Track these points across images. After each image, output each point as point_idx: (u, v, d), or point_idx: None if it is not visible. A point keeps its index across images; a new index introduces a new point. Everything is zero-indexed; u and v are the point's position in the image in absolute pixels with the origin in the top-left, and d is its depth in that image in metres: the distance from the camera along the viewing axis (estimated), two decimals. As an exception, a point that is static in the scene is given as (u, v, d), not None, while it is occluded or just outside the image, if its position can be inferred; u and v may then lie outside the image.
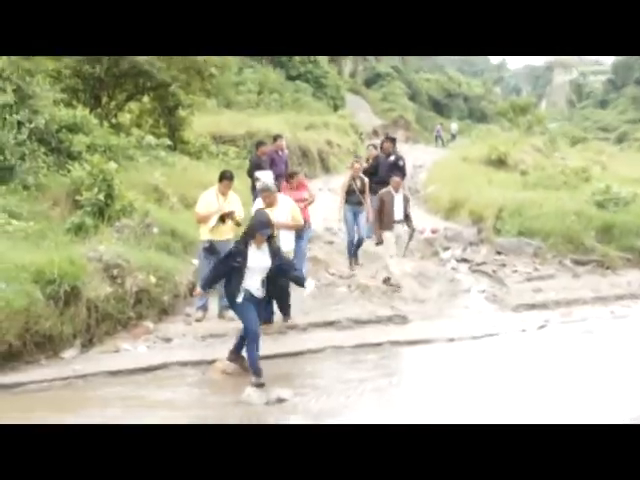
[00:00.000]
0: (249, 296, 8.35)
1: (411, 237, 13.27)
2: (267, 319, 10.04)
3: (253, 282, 8.35)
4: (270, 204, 10.02)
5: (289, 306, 10.62)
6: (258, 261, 8.29)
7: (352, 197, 13.30)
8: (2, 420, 7.32)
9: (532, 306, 12.74)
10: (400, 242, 12.78)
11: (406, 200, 12.96)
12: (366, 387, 8.82)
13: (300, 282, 9.08)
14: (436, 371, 9.80)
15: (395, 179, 12.88)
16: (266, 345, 9.81)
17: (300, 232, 11.52)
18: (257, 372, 8.35)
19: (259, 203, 10.26)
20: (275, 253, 8.46)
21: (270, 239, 8.44)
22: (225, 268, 8.42)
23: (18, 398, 8.02)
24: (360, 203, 13.24)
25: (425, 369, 10.21)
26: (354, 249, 13.58)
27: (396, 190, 12.74)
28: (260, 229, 8.23)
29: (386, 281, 12.57)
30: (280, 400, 8.04)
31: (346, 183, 13.46)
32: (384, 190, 12.83)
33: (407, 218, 12.89)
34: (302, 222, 10.78)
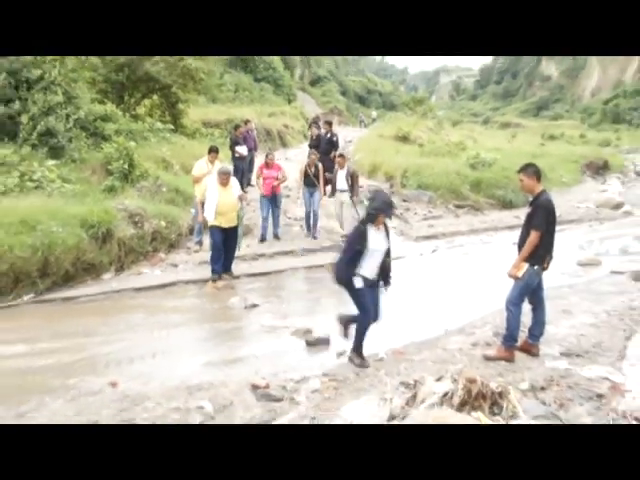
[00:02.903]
0: (368, 283, 5.90)
1: (354, 203, 12.01)
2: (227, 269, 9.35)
3: (372, 265, 5.91)
4: (225, 184, 8.93)
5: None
6: (378, 243, 5.90)
7: (308, 180, 12.10)
8: (62, 321, 7.31)
9: (427, 237, 12.99)
10: (345, 206, 11.96)
11: (350, 174, 11.89)
12: (313, 295, 8.99)
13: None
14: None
15: (339, 159, 12.06)
16: (242, 268, 9.87)
17: (277, 202, 11.64)
18: (358, 350, 6.12)
19: (213, 182, 9.04)
20: (388, 234, 6.09)
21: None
22: (353, 252, 5.82)
23: (74, 307, 8.02)
24: (314, 185, 12.02)
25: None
26: (312, 224, 12.09)
27: (341, 167, 11.90)
28: (386, 210, 5.84)
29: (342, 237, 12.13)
30: (254, 305, 8.11)
31: (303, 170, 12.20)
32: (335, 169, 12.10)
33: (351, 188, 11.88)
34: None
